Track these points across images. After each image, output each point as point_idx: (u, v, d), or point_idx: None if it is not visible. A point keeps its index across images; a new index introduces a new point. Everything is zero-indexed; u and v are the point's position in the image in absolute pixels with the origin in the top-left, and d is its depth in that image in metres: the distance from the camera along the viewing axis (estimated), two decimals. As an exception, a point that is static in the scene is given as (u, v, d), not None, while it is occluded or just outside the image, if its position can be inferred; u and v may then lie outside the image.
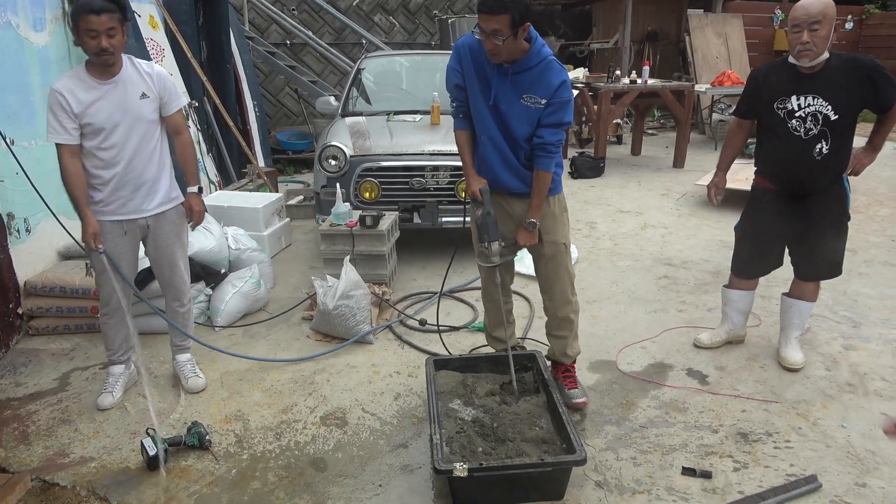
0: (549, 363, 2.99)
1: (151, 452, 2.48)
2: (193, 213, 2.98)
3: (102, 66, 2.64)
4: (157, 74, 2.78)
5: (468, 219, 4.57)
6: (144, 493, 2.41)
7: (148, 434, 2.57)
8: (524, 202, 2.71)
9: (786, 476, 2.47)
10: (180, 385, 3.12)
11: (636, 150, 9.02)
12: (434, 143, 4.64)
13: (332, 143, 4.61)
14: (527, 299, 4.07)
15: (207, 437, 2.64)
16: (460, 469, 2.17)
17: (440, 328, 3.50)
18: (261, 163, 6.81)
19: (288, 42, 10.24)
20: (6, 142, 3.47)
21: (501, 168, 2.70)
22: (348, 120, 5.18)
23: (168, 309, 3.12)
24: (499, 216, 2.74)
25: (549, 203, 2.75)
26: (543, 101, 2.52)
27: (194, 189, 2.98)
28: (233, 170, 6.26)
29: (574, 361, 3.02)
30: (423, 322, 3.75)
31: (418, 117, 5.18)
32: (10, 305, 3.58)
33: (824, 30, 2.71)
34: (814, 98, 2.86)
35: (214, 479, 2.49)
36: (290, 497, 2.39)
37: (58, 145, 2.63)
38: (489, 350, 3.47)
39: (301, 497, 2.39)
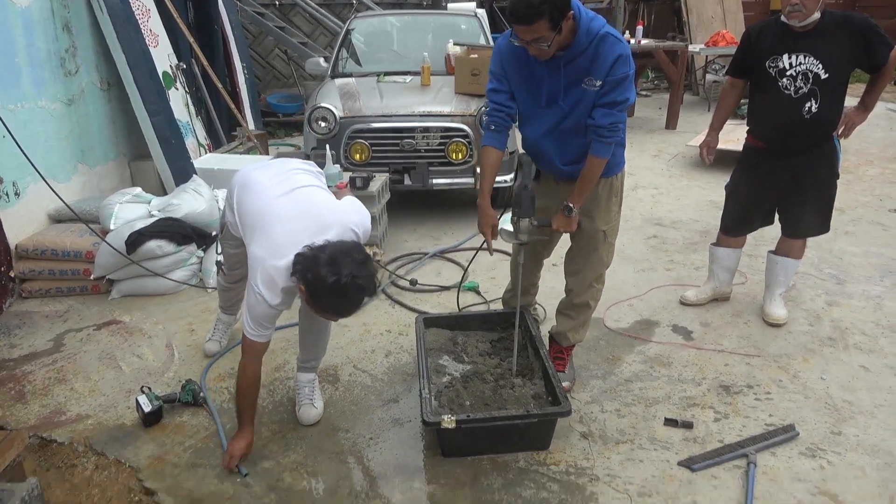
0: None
1: (147, 409, 2.54)
2: None
3: None
4: None
5: (458, 180, 4.61)
6: (140, 449, 2.47)
7: (143, 391, 2.62)
8: (571, 184, 2.47)
9: (765, 426, 2.55)
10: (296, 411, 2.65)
11: (629, 111, 8.97)
12: (425, 104, 4.61)
13: (322, 105, 4.59)
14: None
15: (202, 394, 2.70)
16: (448, 421, 2.23)
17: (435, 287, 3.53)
18: (251, 125, 6.74)
19: (277, 2, 10.05)
20: (-9, 104, 3.45)
21: (560, 159, 2.49)
22: (338, 81, 5.14)
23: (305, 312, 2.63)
24: (544, 194, 2.56)
25: (598, 184, 2.50)
26: (599, 83, 2.25)
27: None
28: (222, 133, 6.21)
29: (571, 347, 2.85)
30: (413, 282, 3.79)
31: (409, 78, 5.13)
32: (2, 268, 3.59)
33: None
34: (805, 56, 2.86)
35: (209, 435, 2.55)
36: (283, 450, 2.45)
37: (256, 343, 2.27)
38: (479, 309, 3.52)
39: (295, 450, 2.46)
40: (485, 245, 2.65)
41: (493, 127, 2.51)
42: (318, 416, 2.62)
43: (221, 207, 4.14)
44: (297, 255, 2.07)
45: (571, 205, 2.43)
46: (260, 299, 2.14)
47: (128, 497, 2.24)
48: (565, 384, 2.75)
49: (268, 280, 2.13)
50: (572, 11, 2.15)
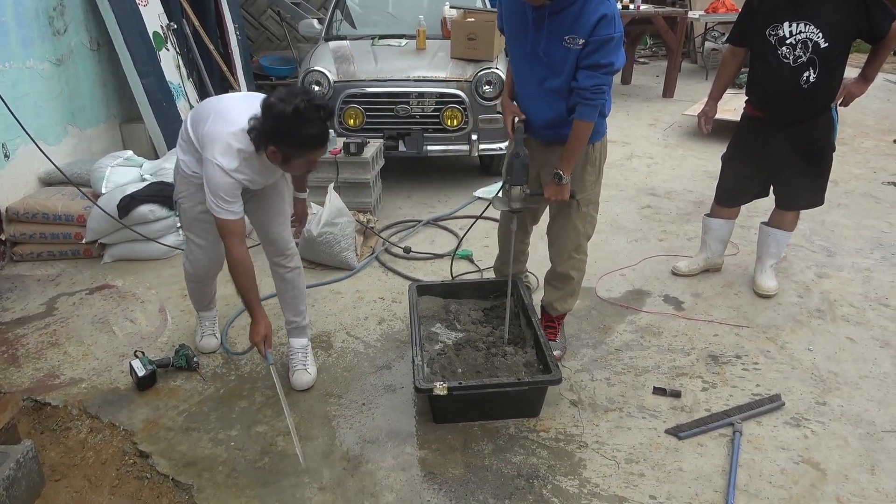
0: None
1: (140, 373, 2.55)
2: (299, 216, 2.81)
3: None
4: None
5: (453, 147, 4.58)
6: (135, 412, 2.49)
7: (136, 356, 2.63)
8: (561, 150, 2.44)
9: (751, 395, 2.60)
10: (289, 378, 2.67)
11: (626, 78, 8.87)
12: (420, 68, 4.55)
13: (316, 69, 4.52)
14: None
15: (195, 359, 2.72)
16: (440, 388, 2.25)
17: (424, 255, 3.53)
18: (243, 88, 6.65)
19: (269, -39, 9.81)
20: (-23, 64, 3.38)
21: (543, 122, 2.48)
22: (332, 44, 5.05)
23: (273, 270, 2.68)
24: (538, 165, 2.56)
25: None
26: (581, 42, 2.22)
27: (303, 195, 2.76)
28: (215, 95, 6.13)
29: (562, 316, 2.87)
30: (407, 249, 3.79)
31: (404, 42, 5.05)
32: (-7, 231, 3.58)
33: None
34: (805, 25, 2.82)
35: (203, 399, 2.57)
36: (276, 414, 2.48)
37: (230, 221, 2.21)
38: (472, 277, 3.53)
39: (287, 415, 2.48)
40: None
41: None
42: (312, 381, 2.64)
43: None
44: (251, 117, 2.08)
45: (561, 172, 2.41)
46: (217, 169, 2.11)
47: (122, 460, 2.27)
48: (556, 353, 2.78)
49: (223, 146, 2.12)
50: None
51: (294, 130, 2.02)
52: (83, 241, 3.62)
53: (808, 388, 2.64)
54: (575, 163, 2.45)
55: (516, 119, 2.51)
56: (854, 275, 3.57)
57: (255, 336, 2.30)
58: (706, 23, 9.41)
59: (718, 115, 3.41)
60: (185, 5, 5.51)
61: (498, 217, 2.96)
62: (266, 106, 2.04)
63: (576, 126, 2.36)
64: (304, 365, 2.66)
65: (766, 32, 2.92)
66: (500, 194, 2.58)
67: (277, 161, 2.13)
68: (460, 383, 2.31)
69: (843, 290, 3.42)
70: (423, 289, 2.97)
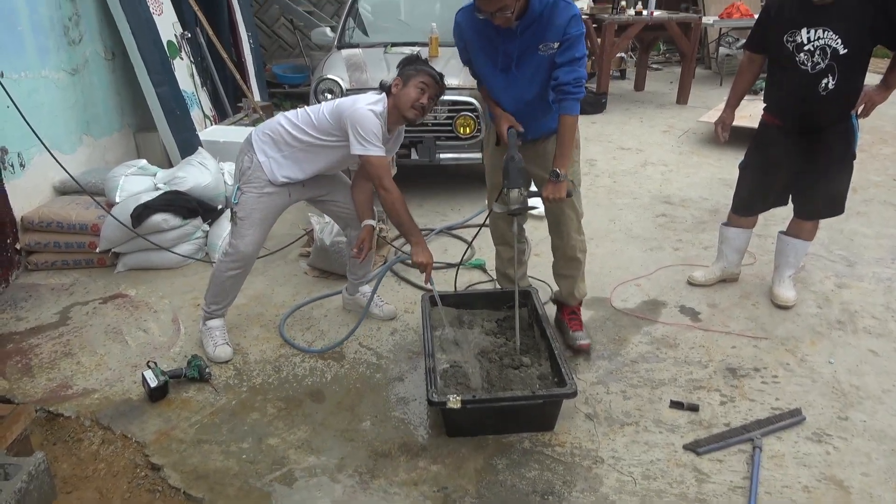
0: (553, 304, 2.99)
1: (153, 384, 2.54)
2: (364, 245, 2.89)
3: (408, 123, 2.74)
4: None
5: (465, 155, 4.56)
6: (147, 423, 2.48)
7: (149, 366, 2.62)
8: (553, 143, 2.56)
9: (771, 409, 2.54)
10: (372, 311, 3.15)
11: (640, 85, 8.84)
12: (432, 76, 4.53)
13: (328, 77, 4.52)
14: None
15: (208, 370, 2.70)
16: (454, 401, 2.22)
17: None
18: (256, 97, 6.67)
19: (283, -31, 9.86)
20: (-6, 74, 3.40)
21: (529, 123, 2.58)
22: (344, 52, 5.06)
23: (349, 239, 3.09)
24: (529, 163, 2.61)
25: (549, 140, 2.64)
26: (556, 45, 2.37)
27: (371, 222, 2.91)
28: (228, 104, 6.15)
29: (580, 303, 3.01)
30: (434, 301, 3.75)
31: (416, 49, 5.03)
32: (9, 240, 3.59)
33: None
34: (824, 31, 2.78)
35: (215, 411, 2.56)
36: (288, 427, 2.46)
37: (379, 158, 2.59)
38: (485, 287, 3.51)
39: (300, 427, 2.47)
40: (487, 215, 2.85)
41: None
42: (393, 311, 3.20)
43: (227, 180, 4.11)
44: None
45: (558, 170, 2.46)
46: (370, 114, 2.52)
47: (133, 472, 2.26)
48: (584, 342, 2.90)
49: (372, 100, 2.58)
50: None
51: (412, 62, 2.68)
52: (97, 251, 3.63)
53: (829, 403, 2.59)
54: (570, 157, 2.51)
55: (508, 128, 2.56)
56: (875, 285, 3.51)
57: (421, 258, 2.66)
58: (720, 28, 9.35)
59: (734, 122, 3.37)
60: (200, 15, 5.54)
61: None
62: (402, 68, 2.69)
63: (563, 121, 2.44)
64: (383, 301, 3.23)
65: (784, 38, 2.88)
66: (496, 199, 2.66)
67: (398, 88, 2.61)
68: (474, 396, 2.28)
69: (863, 300, 3.35)
70: (436, 299, 2.93)
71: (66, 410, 2.55)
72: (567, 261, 2.88)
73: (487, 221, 2.96)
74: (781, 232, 3.34)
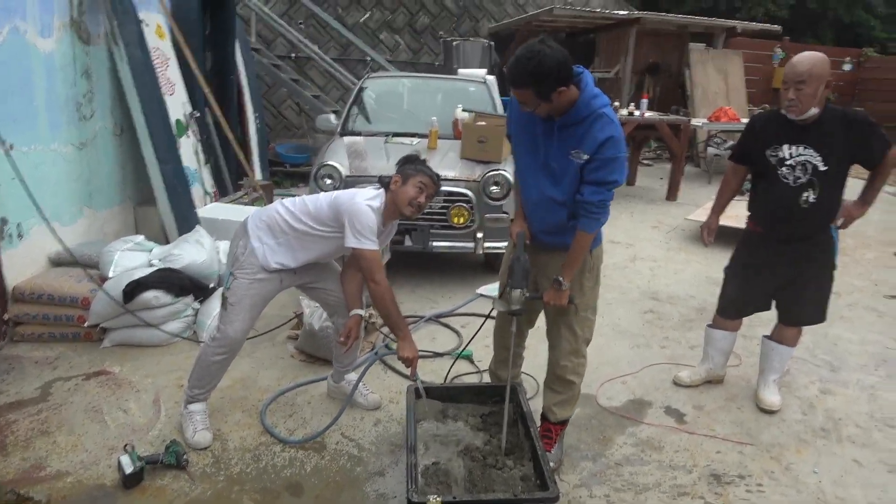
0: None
1: (128, 470, 2.49)
2: (351, 334, 2.91)
3: (403, 219, 2.88)
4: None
5: (458, 244, 4.65)
6: (118, 511, 2.42)
7: (125, 451, 2.58)
8: (562, 257, 2.53)
9: (755, 522, 2.50)
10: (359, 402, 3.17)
11: (631, 180, 9.10)
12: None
13: (329, 163, 4.66)
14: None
15: (185, 457, 2.65)
16: (434, 501, 2.18)
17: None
18: (258, 175, 6.84)
19: (293, 55, 10.33)
20: (4, 147, 3.50)
21: (543, 227, 2.59)
22: (346, 139, 5.23)
23: (336, 326, 3.13)
24: (535, 269, 2.64)
25: None
26: (586, 157, 2.34)
27: (359, 312, 2.95)
28: (229, 181, 6.29)
29: (560, 425, 2.82)
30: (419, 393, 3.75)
31: (416, 140, 5.22)
32: (-2, 311, 3.59)
33: (810, 88, 2.78)
34: (805, 148, 2.93)
35: (189, 501, 2.49)
36: (263, 521, 2.40)
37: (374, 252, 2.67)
38: (471, 379, 3.50)
39: (275, 521, 2.41)
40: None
41: None
42: (378, 401, 3.18)
43: (221, 259, 4.16)
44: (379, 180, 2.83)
45: (562, 279, 2.49)
46: (367, 209, 2.62)
47: (100, 564, 2.18)
48: (551, 464, 2.67)
49: (370, 196, 2.69)
50: (573, 83, 2.29)
51: (411, 169, 2.76)
52: (85, 325, 3.63)
53: (814, 517, 2.55)
54: (575, 270, 2.53)
55: (517, 231, 2.62)
56: (859, 392, 3.52)
57: (407, 352, 2.71)
58: (708, 130, 9.73)
59: (721, 222, 3.47)
60: (209, 96, 5.76)
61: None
62: (399, 169, 2.80)
63: (578, 236, 2.46)
64: (368, 391, 3.22)
65: (767, 153, 3.02)
66: (500, 297, 2.66)
67: (397, 185, 2.72)
68: (454, 498, 2.24)
69: (848, 408, 3.36)
70: (421, 391, 2.92)
71: (36, 493, 2.48)
72: (555, 378, 2.78)
73: (489, 313, 2.94)
74: (766, 336, 3.39)
